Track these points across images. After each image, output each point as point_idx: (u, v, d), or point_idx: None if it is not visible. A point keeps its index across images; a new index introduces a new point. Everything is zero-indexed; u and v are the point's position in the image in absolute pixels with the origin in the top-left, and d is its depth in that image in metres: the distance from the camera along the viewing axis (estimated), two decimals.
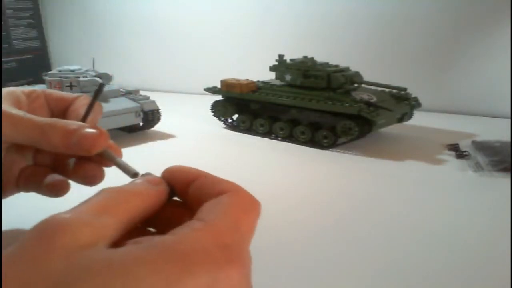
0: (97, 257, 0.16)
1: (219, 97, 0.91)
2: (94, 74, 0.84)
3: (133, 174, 0.28)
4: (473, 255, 0.42)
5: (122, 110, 0.81)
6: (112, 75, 0.88)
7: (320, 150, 0.77)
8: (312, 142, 0.78)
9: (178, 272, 0.16)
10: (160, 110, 0.87)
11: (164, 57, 1.34)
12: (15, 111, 0.32)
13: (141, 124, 0.87)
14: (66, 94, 0.41)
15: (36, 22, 1.40)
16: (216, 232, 0.19)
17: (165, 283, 0.16)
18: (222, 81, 0.89)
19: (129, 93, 0.88)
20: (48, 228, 0.17)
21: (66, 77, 0.83)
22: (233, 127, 0.91)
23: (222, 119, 0.92)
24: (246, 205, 0.22)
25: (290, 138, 0.81)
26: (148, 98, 0.87)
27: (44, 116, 0.35)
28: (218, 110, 0.91)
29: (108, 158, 0.31)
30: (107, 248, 0.18)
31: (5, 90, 0.37)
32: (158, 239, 0.18)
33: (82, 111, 0.35)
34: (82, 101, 0.39)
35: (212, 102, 0.92)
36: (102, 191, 0.22)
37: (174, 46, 1.32)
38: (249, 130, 0.87)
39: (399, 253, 0.43)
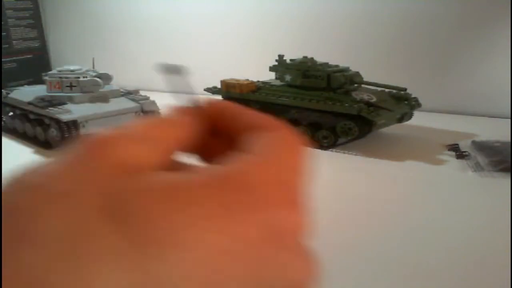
0: (157, 179, 0.15)
1: (219, 97, 0.91)
2: (94, 74, 0.84)
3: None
4: (473, 254, 0.42)
5: (122, 110, 0.81)
6: (112, 75, 0.88)
7: (320, 150, 0.77)
8: (312, 142, 0.78)
9: (240, 204, 0.15)
10: (160, 110, 0.87)
11: (164, 57, 1.33)
12: None
13: None
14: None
15: (36, 22, 1.40)
16: (271, 167, 0.17)
17: (226, 213, 0.15)
18: (222, 81, 0.89)
19: (129, 93, 0.88)
20: (95, 143, 0.15)
21: (66, 77, 0.83)
22: None
23: None
24: (292, 143, 0.19)
25: None
26: (148, 98, 0.87)
27: None
28: None
29: None
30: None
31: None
32: (215, 168, 0.16)
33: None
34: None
35: None
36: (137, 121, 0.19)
37: (174, 46, 1.32)
38: None
39: (398, 253, 0.43)
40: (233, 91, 0.86)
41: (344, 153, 0.75)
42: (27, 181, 0.14)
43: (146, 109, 0.85)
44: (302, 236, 0.18)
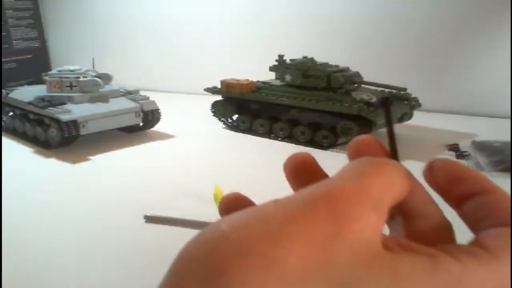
0: (383, 263, 0.14)
1: (219, 97, 0.91)
2: (94, 74, 0.84)
3: None
4: None
5: (122, 110, 0.81)
6: (112, 75, 0.88)
7: (320, 150, 0.77)
8: (312, 142, 0.78)
9: None
10: (160, 110, 0.88)
11: (164, 57, 1.34)
12: None
13: (141, 124, 0.87)
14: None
15: (36, 22, 1.40)
16: (502, 276, 0.16)
17: None
18: (222, 81, 0.89)
19: (129, 93, 0.88)
20: (339, 207, 0.14)
21: (66, 77, 0.83)
22: (233, 127, 0.91)
23: (222, 119, 0.92)
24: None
25: (290, 138, 0.81)
26: (148, 98, 0.87)
27: None
28: (218, 110, 0.91)
29: None
30: (382, 247, 0.15)
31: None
32: (443, 261, 0.15)
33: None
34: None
35: (212, 102, 0.92)
36: (362, 161, 0.17)
37: (174, 46, 1.32)
38: (249, 130, 0.87)
39: None
40: (233, 91, 0.86)
41: (344, 153, 0.75)
42: (235, 238, 0.12)
43: (146, 109, 0.85)
44: None
